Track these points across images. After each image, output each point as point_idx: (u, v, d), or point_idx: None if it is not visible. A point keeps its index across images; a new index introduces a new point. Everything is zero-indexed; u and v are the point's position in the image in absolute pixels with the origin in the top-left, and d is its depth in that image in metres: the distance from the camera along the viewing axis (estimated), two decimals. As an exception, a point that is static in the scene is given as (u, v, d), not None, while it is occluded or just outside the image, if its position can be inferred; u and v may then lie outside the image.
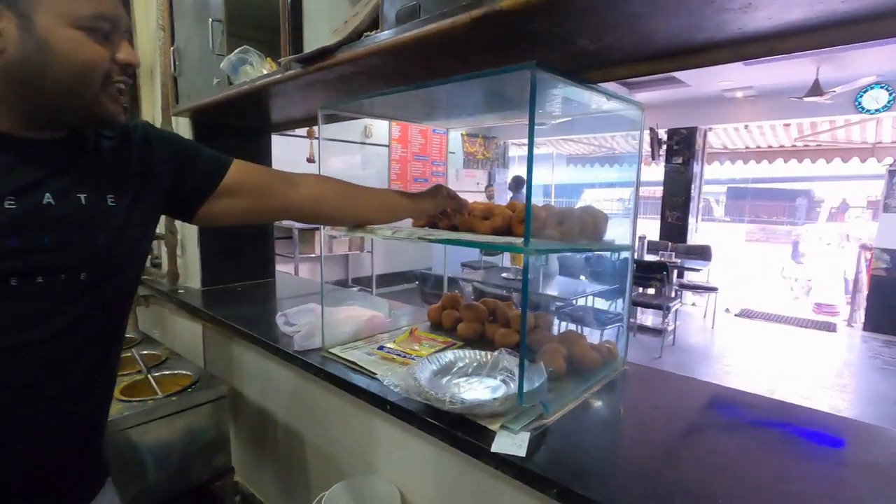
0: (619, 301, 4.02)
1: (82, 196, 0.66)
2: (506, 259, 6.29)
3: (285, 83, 1.21)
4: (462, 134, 7.82)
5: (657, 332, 4.87)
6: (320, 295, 1.30)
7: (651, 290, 5.13)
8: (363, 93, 1.22)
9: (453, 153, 7.83)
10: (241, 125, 1.99)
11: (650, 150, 6.44)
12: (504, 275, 4.08)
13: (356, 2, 1.18)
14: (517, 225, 1.06)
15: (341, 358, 1.20)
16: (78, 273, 0.66)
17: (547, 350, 1.08)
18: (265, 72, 1.33)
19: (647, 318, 5.44)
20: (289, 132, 4.40)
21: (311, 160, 2.50)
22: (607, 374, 1.12)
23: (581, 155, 9.90)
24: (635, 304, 4.89)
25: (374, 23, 0.95)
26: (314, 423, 1.52)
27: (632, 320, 5.24)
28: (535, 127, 0.78)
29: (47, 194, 0.63)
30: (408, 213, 1.11)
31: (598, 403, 1.01)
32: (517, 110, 1.26)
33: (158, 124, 2.09)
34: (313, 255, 5.36)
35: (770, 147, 7.44)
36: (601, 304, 4.32)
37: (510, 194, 6.54)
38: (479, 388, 0.98)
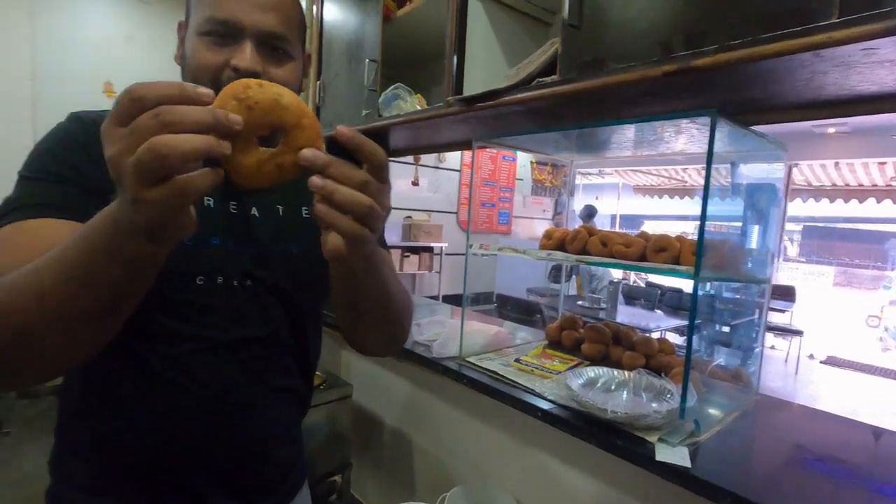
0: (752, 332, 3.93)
1: (280, 207, 0.72)
2: (572, 287, 6.25)
3: (441, 118, 1.36)
4: (531, 161, 7.94)
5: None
6: (463, 306, 1.42)
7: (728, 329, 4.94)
8: (512, 126, 1.36)
9: (521, 179, 7.94)
10: (366, 150, 2.20)
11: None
12: (580, 303, 4.09)
13: (509, 55, 1.34)
14: (652, 254, 1.14)
15: (480, 367, 1.31)
16: (276, 279, 0.69)
17: (679, 372, 1.14)
18: (417, 106, 1.50)
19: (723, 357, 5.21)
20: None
21: (415, 183, 2.68)
22: (744, 401, 1.16)
23: (648, 186, 9.74)
24: (713, 342, 4.71)
25: (546, 69, 1.08)
26: (426, 429, 1.62)
27: (708, 360, 5.05)
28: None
29: (254, 207, 0.69)
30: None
31: (741, 427, 1.05)
32: (639, 148, 1.35)
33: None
34: (398, 272, 5.58)
35: (861, 185, 7.03)
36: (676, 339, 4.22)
37: (580, 222, 6.56)
38: (635, 403, 1.05)
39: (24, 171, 0.60)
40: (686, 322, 3.82)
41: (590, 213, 5.96)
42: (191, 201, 0.39)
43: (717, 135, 0.99)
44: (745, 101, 0.97)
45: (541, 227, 7.89)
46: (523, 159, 8.05)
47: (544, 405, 1.08)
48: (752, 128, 1.04)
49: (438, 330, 1.51)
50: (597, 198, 10.16)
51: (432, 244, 5.62)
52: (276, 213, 0.72)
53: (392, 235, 5.66)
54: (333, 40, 1.94)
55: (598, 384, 1.12)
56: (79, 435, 0.68)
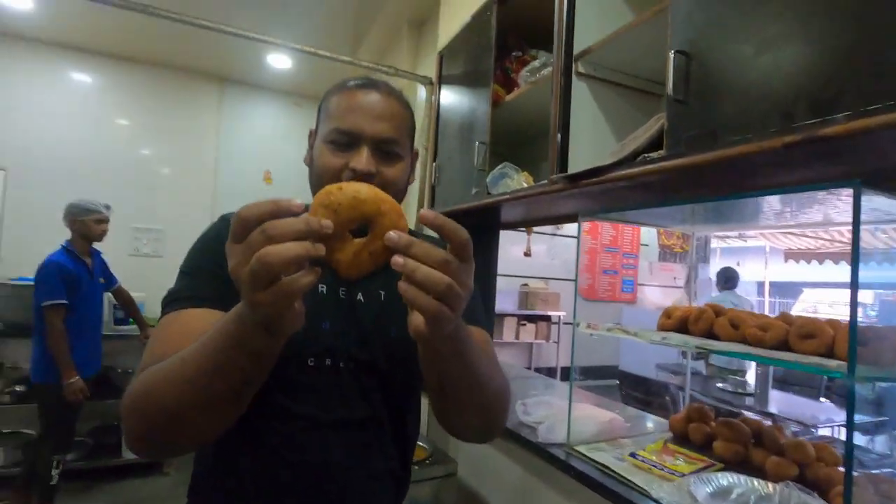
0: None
1: (382, 293, 0.77)
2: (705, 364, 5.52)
3: (547, 195, 1.37)
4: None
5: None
6: (570, 388, 1.34)
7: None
8: (619, 201, 1.31)
9: (647, 245, 7.49)
10: (478, 224, 2.28)
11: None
12: (720, 385, 3.58)
13: (617, 130, 1.32)
14: (797, 340, 0.97)
15: (589, 458, 1.20)
16: (379, 359, 0.73)
17: (858, 496, 0.92)
18: (524, 184, 1.53)
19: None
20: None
21: (527, 254, 2.68)
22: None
23: (803, 250, 8.48)
24: (909, 445, 3.74)
25: (652, 146, 1.05)
26: (540, 520, 1.50)
27: (888, 475, 4.00)
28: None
29: (360, 293, 0.75)
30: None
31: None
32: (768, 220, 1.20)
33: (413, 224, 2.52)
34: (498, 341, 5.51)
35: None
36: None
37: (715, 291, 5.87)
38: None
39: (183, 266, 0.72)
40: (864, 418, 3.11)
41: (728, 278, 5.27)
42: (296, 299, 0.45)
43: (867, 206, 0.85)
44: (876, 169, 0.82)
45: (672, 295, 7.24)
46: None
47: (663, 514, 0.94)
48: None
49: (546, 412, 1.43)
50: (738, 263, 9.11)
51: (549, 312, 5.46)
52: (379, 297, 0.77)
53: (507, 303, 5.62)
54: (448, 125, 2.10)
55: (733, 496, 0.95)
56: (205, 498, 0.76)
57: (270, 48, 3.15)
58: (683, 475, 1.06)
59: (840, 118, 0.69)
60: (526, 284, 6.47)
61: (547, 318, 5.67)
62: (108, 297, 2.96)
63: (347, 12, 2.90)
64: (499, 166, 1.63)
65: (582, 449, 1.24)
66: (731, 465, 1.18)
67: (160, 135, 3.71)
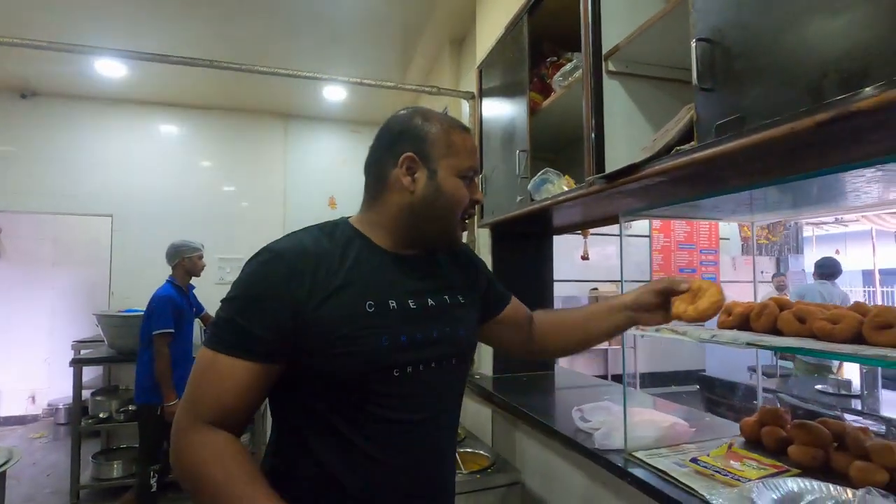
0: None
1: (447, 297, 0.87)
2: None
3: (587, 197, 1.36)
4: (737, 217, 6.97)
5: None
6: (623, 390, 1.30)
7: None
8: (661, 196, 1.27)
9: (727, 239, 6.98)
10: (529, 231, 2.28)
11: None
12: (819, 387, 3.25)
13: (654, 124, 1.29)
14: (872, 332, 0.88)
15: (647, 464, 1.16)
16: (451, 358, 0.85)
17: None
18: (565, 188, 1.53)
19: None
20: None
21: (584, 258, 2.62)
22: None
23: (920, 230, 7.47)
24: None
25: (683, 138, 1.01)
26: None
27: None
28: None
29: (429, 298, 0.83)
30: (613, 311, 1.02)
31: None
32: (837, 201, 1.10)
33: (465, 234, 2.57)
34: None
35: None
36: None
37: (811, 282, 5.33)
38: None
39: (235, 300, 0.73)
40: None
41: (825, 269, 4.73)
42: None
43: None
44: None
45: (761, 291, 6.68)
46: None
47: (723, 522, 0.89)
48: None
49: (604, 418, 1.40)
50: (837, 251, 8.20)
51: (659, 327, 5.24)
52: (446, 302, 0.86)
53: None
54: (491, 136, 2.13)
55: (802, 503, 0.88)
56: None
57: (327, 82, 3.37)
58: (749, 481, 0.99)
59: (871, 91, 0.64)
60: (595, 289, 6.26)
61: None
62: (197, 323, 3.28)
63: (393, 39, 3.04)
64: (540, 172, 1.63)
65: (640, 455, 1.20)
66: (808, 471, 1.09)
67: (237, 172, 4.08)
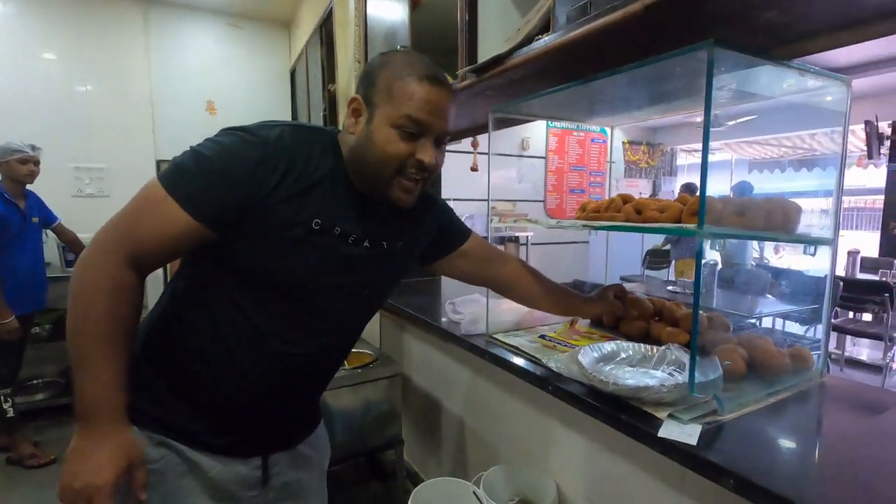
0: (818, 327, 3.39)
1: (384, 243, 0.86)
2: (671, 274, 5.78)
3: (461, 93, 1.35)
4: (623, 142, 7.47)
5: (875, 368, 3.98)
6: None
7: (867, 317, 4.22)
8: (531, 91, 1.30)
9: (613, 163, 7.50)
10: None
11: (866, 148, 5.31)
12: (670, 288, 3.77)
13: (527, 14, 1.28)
14: (689, 217, 1.02)
15: (504, 343, 1.28)
16: (368, 288, 0.87)
17: (724, 349, 1.01)
18: (443, 86, 1.50)
19: (862, 351, 4.47)
20: (454, 148, 4.76)
21: (474, 169, 2.68)
22: (797, 383, 1.00)
23: (767, 159, 8.61)
24: (846, 331, 4.07)
25: (544, 27, 1.03)
26: (474, 409, 1.62)
27: (838, 351, 4.36)
28: (710, 129, 0.77)
29: (370, 241, 0.83)
30: (579, 312, 1.29)
31: (785, 409, 0.91)
32: (689, 100, 1.21)
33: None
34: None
35: None
36: (793, 328, 3.72)
37: (678, 204, 6.01)
38: (644, 377, 0.97)
39: (203, 152, 0.72)
40: (800, 307, 3.34)
41: (687, 190, 5.41)
42: None
43: (738, 75, 0.87)
44: (765, 31, 0.83)
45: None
46: (616, 141, 7.60)
47: (554, 379, 1.03)
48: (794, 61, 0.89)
49: (473, 308, 1.51)
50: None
51: (517, 234, 5.57)
52: (383, 247, 0.87)
53: (477, 225, 5.70)
54: (375, 35, 2.01)
55: (617, 358, 1.04)
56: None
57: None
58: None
59: (686, -29, 0.68)
60: (494, 207, 6.51)
61: (515, 240, 5.80)
62: (55, 240, 2.91)
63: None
64: (420, 71, 1.58)
65: (500, 336, 1.33)
66: (634, 339, 1.28)
67: (90, 69, 3.46)
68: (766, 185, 8.35)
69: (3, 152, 2.36)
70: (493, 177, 1.48)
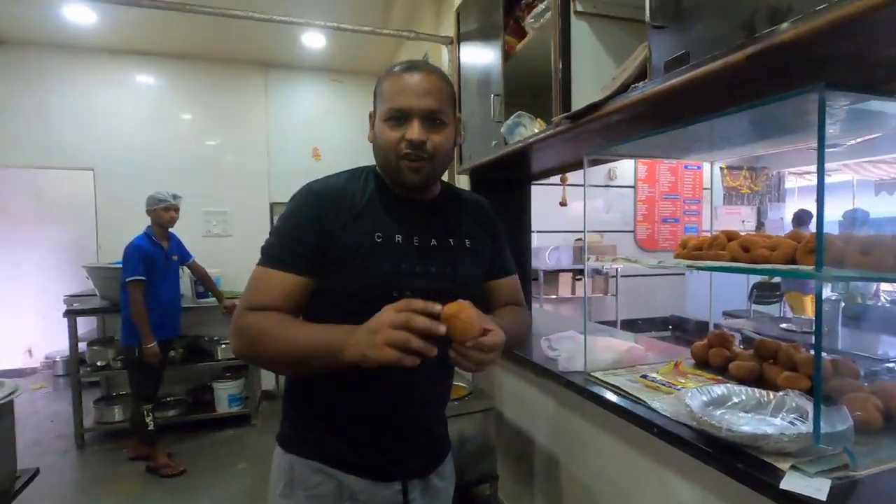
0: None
1: (451, 240, 0.95)
2: (784, 309, 5.25)
3: (554, 138, 1.41)
4: (721, 167, 7.03)
5: None
6: (583, 324, 1.41)
7: None
8: (626, 137, 1.33)
9: (710, 189, 7.07)
10: (508, 177, 2.33)
11: None
12: (784, 325, 3.44)
13: (622, 61, 1.32)
14: (804, 256, 0.98)
15: (604, 381, 1.28)
16: (449, 293, 0.86)
17: (854, 398, 0.94)
18: (536, 131, 1.58)
19: None
20: (543, 181, 4.80)
21: (563, 204, 2.70)
22: (950, 440, 0.89)
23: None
24: None
25: (640, 75, 1.07)
26: (570, 447, 1.61)
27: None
28: (827, 151, 0.75)
29: (433, 238, 0.92)
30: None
31: (934, 469, 0.82)
32: (797, 135, 1.17)
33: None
34: (554, 297, 5.56)
35: None
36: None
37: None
38: (761, 424, 0.92)
39: (278, 226, 0.90)
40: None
41: (799, 219, 4.94)
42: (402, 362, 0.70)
43: (854, 109, 0.85)
44: (879, 67, 0.80)
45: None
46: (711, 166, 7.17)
47: (660, 421, 1.01)
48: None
49: (568, 345, 1.52)
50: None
51: (613, 257, 5.40)
52: (449, 243, 0.96)
53: (563, 258, 5.60)
54: (469, 81, 2.15)
55: (729, 403, 1.00)
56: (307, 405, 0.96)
57: (304, 29, 3.29)
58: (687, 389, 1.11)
59: (788, 25, 0.70)
60: (580, 239, 6.37)
61: (603, 272, 5.61)
62: (188, 275, 3.34)
63: (371, -18, 2.96)
64: (513, 115, 1.67)
65: (598, 374, 1.32)
66: (745, 383, 1.21)
67: (219, 125, 4.03)
68: (897, 209, 7.37)
69: (151, 202, 2.81)
70: (581, 207, 1.49)
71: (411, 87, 0.86)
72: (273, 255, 0.87)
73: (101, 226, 3.81)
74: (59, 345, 4.93)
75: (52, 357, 5.08)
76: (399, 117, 0.86)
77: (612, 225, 6.43)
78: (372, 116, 0.93)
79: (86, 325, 3.86)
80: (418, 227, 0.92)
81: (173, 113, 3.97)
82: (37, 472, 1.44)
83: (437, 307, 0.71)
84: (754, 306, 5.47)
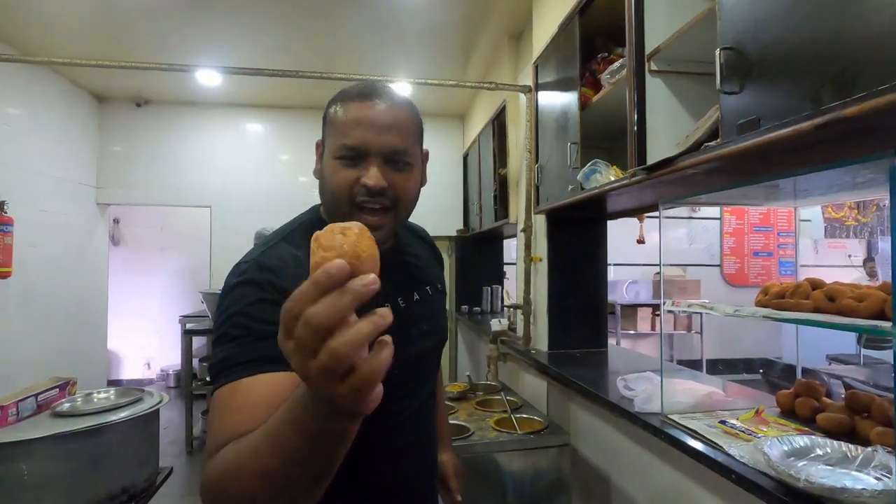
0: None
1: (428, 288, 0.88)
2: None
3: (630, 186, 1.49)
4: (820, 197, 6.51)
5: None
6: (660, 364, 1.45)
7: None
8: (701, 186, 1.38)
9: (808, 221, 6.56)
10: (584, 216, 2.41)
11: None
12: (897, 374, 3.11)
13: (696, 117, 1.39)
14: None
15: (681, 425, 1.30)
16: (437, 347, 0.90)
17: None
18: (612, 178, 1.66)
19: None
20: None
21: (640, 241, 2.70)
22: None
23: None
24: None
25: (711, 134, 1.14)
26: (646, 488, 1.61)
27: None
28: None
29: (415, 293, 0.84)
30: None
31: None
32: (880, 188, 1.16)
33: (521, 221, 2.73)
34: (633, 332, 5.38)
35: None
36: None
37: (905, 269, 4.94)
38: (843, 478, 0.92)
39: (221, 332, 0.65)
40: None
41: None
42: (381, 377, 0.39)
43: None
44: None
45: (850, 276, 6.23)
46: (795, 212, 6.65)
47: (738, 468, 1.03)
48: None
49: (645, 386, 1.55)
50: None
51: (689, 302, 5.16)
52: (427, 293, 0.89)
53: (642, 292, 5.42)
54: (546, 128, 2.28)
55: (811, 455, 1.00)
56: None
57: (394, 83, 3.62)
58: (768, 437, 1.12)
59: (855, 99, 0.76)
60: (668, 293, 6.13)
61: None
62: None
63: (454, 38, 3.22)
64: (590, 163, 1.77)
65: (675, 417, 1.35)
66: (834, 437, 1.19)
67: (308, 163, 4.48)
68: None
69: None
70: (664, 240, 1.53)
71: (371, 119, 0.70)
72: (239, 361, 0.61)
73: (215, 256, 4.34)
74: (171, 359, 5.59)
75: (166, 370, 5.75)
76: (353, 157, 0.71)
77: (697, 258, 6.14)
78: (319, 147, 0.78)
79: (197, 342, 4.36)
80: (396, 285, 0.80)
81: (274, 155, 4.52)
82: (171, 470, 1.70)
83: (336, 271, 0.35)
84: (864, 350, 4.94)
